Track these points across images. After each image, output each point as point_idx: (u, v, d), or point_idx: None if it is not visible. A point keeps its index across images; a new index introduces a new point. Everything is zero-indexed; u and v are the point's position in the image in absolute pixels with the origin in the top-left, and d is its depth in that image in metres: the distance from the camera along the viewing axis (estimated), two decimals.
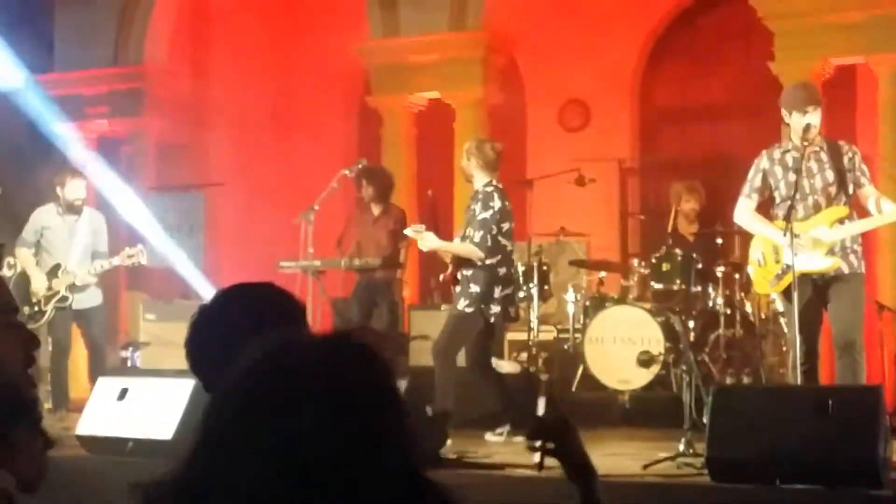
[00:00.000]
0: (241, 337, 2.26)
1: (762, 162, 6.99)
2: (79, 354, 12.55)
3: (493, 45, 11.85)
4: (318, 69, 14.20)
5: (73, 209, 9.51)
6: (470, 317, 7.91)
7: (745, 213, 7.07)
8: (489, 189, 7.98)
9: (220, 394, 1.41)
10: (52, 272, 9.44)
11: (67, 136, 13.37)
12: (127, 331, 12.41)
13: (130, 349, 11.55)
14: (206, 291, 11.73)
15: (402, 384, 7.03)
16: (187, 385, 7.04)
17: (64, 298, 9.40)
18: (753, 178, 7.02)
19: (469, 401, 8.81)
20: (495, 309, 7.90)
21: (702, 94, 13.36)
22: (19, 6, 13.80)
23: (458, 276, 7.94)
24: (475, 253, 7.80)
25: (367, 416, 1.37)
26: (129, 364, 11.24)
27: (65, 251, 9.46)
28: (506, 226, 7.92)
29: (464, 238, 7.94)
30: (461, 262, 7.92)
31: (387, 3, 12.02)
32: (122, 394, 7.20)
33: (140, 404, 7.10)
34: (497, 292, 7.90)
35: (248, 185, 13.37)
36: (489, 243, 7.83)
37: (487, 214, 7.86)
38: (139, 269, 12.47)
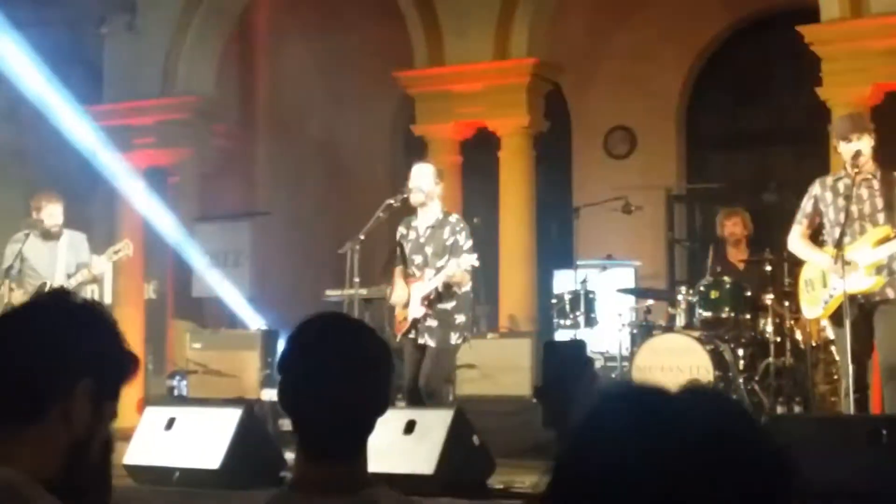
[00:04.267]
0: (347, 391, 2.25)
1: (814, 188, 7.06)
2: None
3: (537, 73, 11.83)
4: (365, 97, 14.25)
5: (50, 235, 9.27)
6: (460, 345, 8.08)
7: (794, 238, 7.15)
8: (462, 220, 8.10)
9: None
10: (39, 291, 9.30)
11: (115, 166, 13.50)
12: (173, 359, 12.45)
13: (177, 378, 11.59)
14: (252, 320, 11.78)
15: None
16: (234, 414, 7.05)
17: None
18: (805, 205, 7.09)
19: (516, 430, 8.77)
20: (467, 335, 8.09)
21: (748, 121, 13.29)
22: (70, 38, 13.98)
23: (429, 313, 7.83)
24: (470, 265, 7.74)
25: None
26: (175, 393, 11.28)
27: (51, 274, 9.23)
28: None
29: (439, 269, 7.84)
30: (441, 297, 7.86)
31: (431, 32, 12.06)
32: (170, 423, 7.21)
33: (187, 434, 7.10)
34: (471, 317, 8.11)
35: (293, 215, 13.42)
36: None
37: (471, 243, 7.89)
38: (186, 298, 12.58)
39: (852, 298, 6.67)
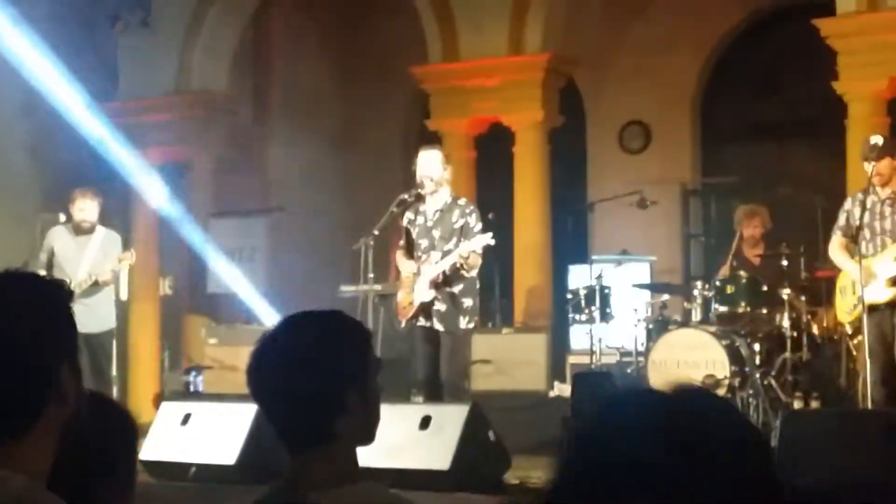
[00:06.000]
0: (305, 365, 2.24)
1: (847, 203, 7.76)
2: (139, 376, 12.68)
3: (552, 68, 11.81)
4: (379, 93, 14.25)
5: (81, 230, 9.36)
6: (471, 332, 8.07)
7: (833, 248, 7.81)
8: (471, 204, 8.12)
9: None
10: None
11: (131, 162, 13.53)
12: (189, 355, 12.49)
13: (193, 373, 11.62)
14: (268, 316, 11.79)
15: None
16: (250, 410, 7.05)
17: None
18: (840, 218, 7.78)
19: (531, 425, 8.75)
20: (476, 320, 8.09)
21: (764, 115, 13.24)
22: (84, 35, 14.00)
23: (437, 297, 7.79)
24: (484, 244, 7.70)
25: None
26: (191, 388, 11.30)
27: (74, 271, 9.29)
28: None
29: (445, 253, 7.81)
30: (448, 280, 7.82)
31: (446, 27, 12.05)
32: (186, 419, 7.22)
33: (203, 429, 7.11)
34: (478, 302, 8.08)
35: (308, 210, 13.42)
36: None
37: (481, 225, 7.86)
38: (202, 293, 12.60)
39: (876, 306, 7.34)
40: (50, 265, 9.36)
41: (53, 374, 1.81)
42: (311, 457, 2.24)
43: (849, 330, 8.27)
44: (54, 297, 1.91)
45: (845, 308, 7.70)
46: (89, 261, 9.32)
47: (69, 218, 9.53)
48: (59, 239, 9.46)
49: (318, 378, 2.23)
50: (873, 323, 7.32)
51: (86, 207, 9.39)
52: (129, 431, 2.39)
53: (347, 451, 2.28)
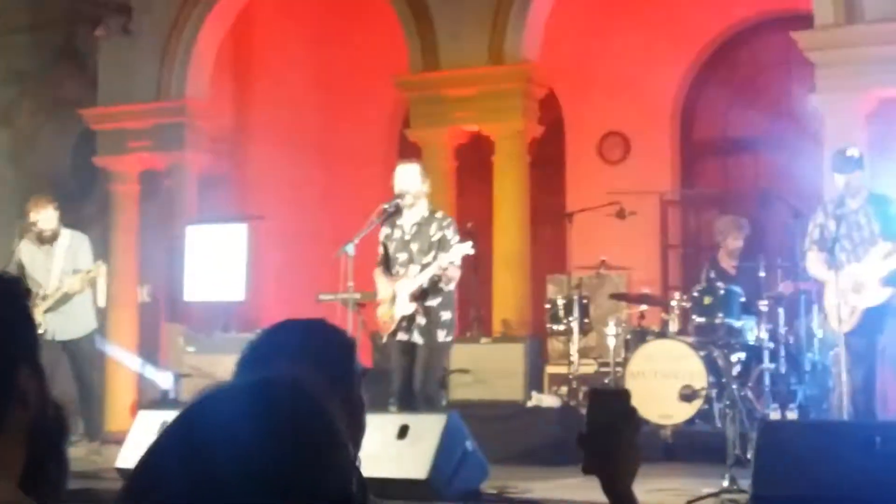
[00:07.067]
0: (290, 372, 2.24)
1: (819, 217, 7.74)
2: (117, 384, 12.63)
3: (532, 78, 11.84)
4: (359, 102, 14.26)
5: (43, 239, 9.32)
6: (448, 344, 8.07)
7: (810, 263, 7.79)
8: (448, 216, 8.15)
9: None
10: (33, 302, 9.25)
11: (109, 169, 13.48)
12: (167, 363, 12.43)
13: (171, 381, 11.57)
14: (247, 324, 11.76)
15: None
16: None
17: (38, 326, 9.11)
18: (812, 232, 7.75)
19: (509, 435, 8.76)
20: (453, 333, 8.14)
21: (742, 126, 13.30)
22: (65, 41, 13.96)
23: (418, 310, 7.81)
24: (462, 254, 7.73)
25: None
26: (169, 396, 11.25)
27: (45, 279, 9.27)
28: None
29: (424, 266, 7.85)
30: (426, 293, 7.85)
31: (426, 36, 12.06)
32: (163, 427, 7.19)
33: None
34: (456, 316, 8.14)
35: (289, 218, 13.41)
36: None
37: (458, 238, 7.89)
38: (179, 301, 12.55)
39: (868, 311, 7.40)
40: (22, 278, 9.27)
41: (11, 377, 1.80)
42: None
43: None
44: (7, 295, 1.87)
45: (836, 319, 7.56)
46: (59, 267, 9.27)
47: (26, 228, 9.44)
48: (25, 252, 9.40)
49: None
50: (865, 330, 7.43)
51: (40, 217, 9.31)
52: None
53: None
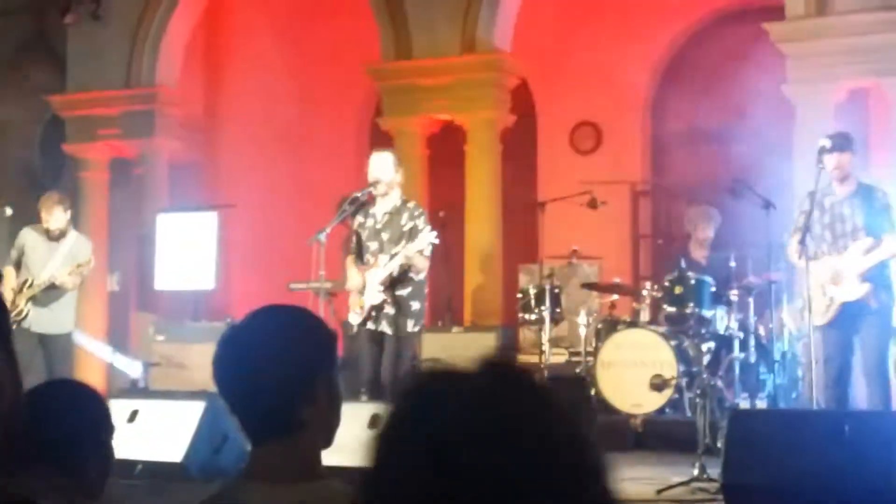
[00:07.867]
0: (274, 351, 2.23)
1: (805, 204, 7.56)
2: (86, 373, 12.56)
3: (504, 68, 11.84)
4: (331, 90, 14.21)
5: (51, 236, 9.44)
6: (417, 334, 8.13)
7: (790, 250, 7.65)
8: (419, 206, 8.17)
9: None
10: (20, 287, 9.33)
11: (79, 157, 13.40)
12: (136, 352, 12.37)
13: (140, 370, 11.52)
14: (217, 313, 11.72)
15: None
16: (198, 407, 7.01)
17: (20, 312, 9.20)
18: (798, 219, 7.61)
19: None
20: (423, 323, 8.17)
21: (714, 117, 13.33)
22: (32, 27, 13.85)
23: (387, 300, 7.82)
24: (428, 242, 7.75)
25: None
26: (139, 385, 11.21)
27: (38, 272, 9.33)
28: None
29: (394, 255, 7.85)
30: (396, 283, 7.85)
31: (399, 25, 12.03)
32: (133, 416, 7.17)
33: (150, 426, 7.06)
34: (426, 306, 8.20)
35: (260, 206, 13.36)
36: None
37: (429, 227, 7.90)
38: (149, 290, 12.50)
39: (846, 305, 7.32)
40: (19, 263, 9.38)
41: None
42: (275, 448, 2.21)
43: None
44: None
45: (818, 311, 7.47)
46: (56, 263, 9.35)
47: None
48: (30, 238, 9.50)
49: (286, 364, 2.21)
50: (841, 322, 7.36)
51: (50, 217, 9.45)
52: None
53: (312, 444, 2.25)
